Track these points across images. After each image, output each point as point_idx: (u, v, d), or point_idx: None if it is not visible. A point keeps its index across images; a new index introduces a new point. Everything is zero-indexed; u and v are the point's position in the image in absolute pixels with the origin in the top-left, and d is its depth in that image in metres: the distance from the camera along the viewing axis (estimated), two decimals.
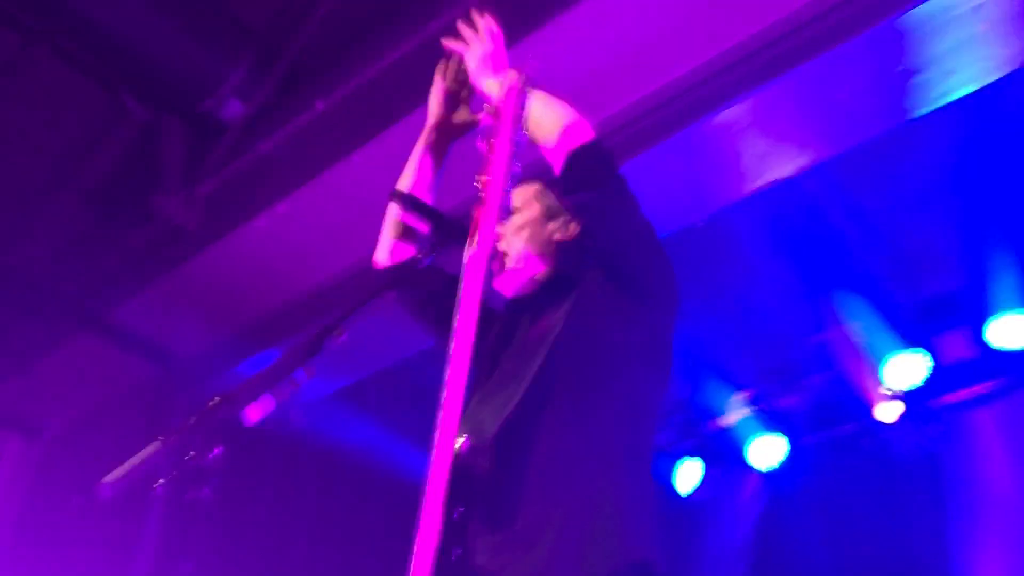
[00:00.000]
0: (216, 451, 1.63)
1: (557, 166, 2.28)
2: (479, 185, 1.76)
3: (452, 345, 1.80)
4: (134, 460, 1.56)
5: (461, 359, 1.78)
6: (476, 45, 2.40)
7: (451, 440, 1.77)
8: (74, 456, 5.58)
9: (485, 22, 2.40)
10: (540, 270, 2.42)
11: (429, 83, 4.07)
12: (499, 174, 1.73)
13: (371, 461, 5.76)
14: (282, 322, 4.92)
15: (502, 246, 2.43)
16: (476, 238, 1.76)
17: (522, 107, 1.78)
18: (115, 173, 5.25)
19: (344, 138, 4.29)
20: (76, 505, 5.15)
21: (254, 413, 1.83)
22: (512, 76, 1.82)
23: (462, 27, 2.44)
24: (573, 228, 2.45)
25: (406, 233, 2.59)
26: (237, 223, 4.64)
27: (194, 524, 4.82)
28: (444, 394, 1.81)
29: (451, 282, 2.68)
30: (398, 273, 2.29)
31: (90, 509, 5.05)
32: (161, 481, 1.63)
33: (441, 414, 1.78)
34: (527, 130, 2.07)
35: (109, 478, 1.54)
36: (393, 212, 2.66)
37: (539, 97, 2.27)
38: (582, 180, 2.25)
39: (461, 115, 2.66)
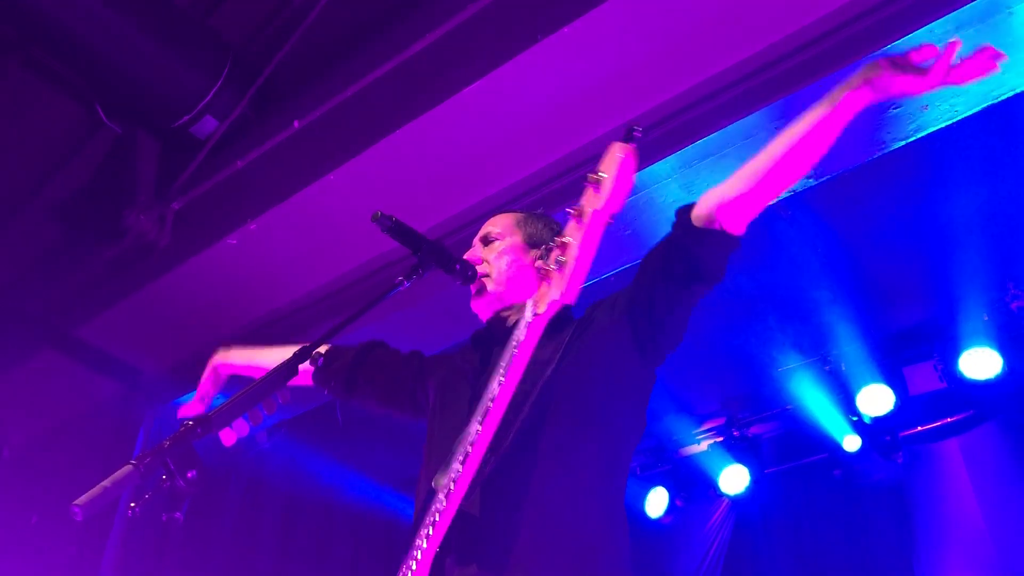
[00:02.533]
0: (190, 474, 1.60)
1: (705, 218, 2.19)
2: (556, 247, 1.75)
3: (491, 397, 1.83)
4: (106, 482, 1.52)
5: (496, 413, 1.81)
6: None
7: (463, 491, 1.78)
8: (35, 474, 5.46)
9: None
10: (521, 298, 2.42)
11: (407, 105, 4.11)
12: (589, 243, 1.71)
13: (333, 492, 5.75)
14: (251, 341, 4.85)
15: (483, 268, 2.44)
16: (545, 299, 1.75)
17: (631, 183, 1.73)
18: (86, 187, 5.18)
19: (319, 157, 4.26)
20: (34, 524, 5.04)
21: (229, 436, 1.80)
22: (622, 149, 1.75)
23: None
24: None
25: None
26: (209, 241, 4.59)
27: (163, 547, 4.74)
28: (468, 446, 1.81)
29: (359, 352, 2.71)
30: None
31: (50, 528, 4.95)
32: (133, 504, 1.59)
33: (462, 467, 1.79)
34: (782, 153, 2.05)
35: (81, 500, 1.49)
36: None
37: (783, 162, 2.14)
38: (703, 263, 2.20)
39: None
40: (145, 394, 5.20)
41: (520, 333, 1.87)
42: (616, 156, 1.72)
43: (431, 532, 1.89)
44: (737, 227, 2.20)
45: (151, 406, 5.12)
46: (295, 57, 4.60)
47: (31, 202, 5.21)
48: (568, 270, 1.71)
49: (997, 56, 1.91)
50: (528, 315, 1.86)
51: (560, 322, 2.35)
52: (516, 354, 1.83)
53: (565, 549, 2.02)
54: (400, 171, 4.16)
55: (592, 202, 1.72)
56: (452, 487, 1.86)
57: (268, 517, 5.53)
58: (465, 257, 2.49)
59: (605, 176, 1.72)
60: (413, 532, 1.96)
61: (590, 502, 2.11)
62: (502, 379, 1.84)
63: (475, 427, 1.87)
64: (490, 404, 1.83)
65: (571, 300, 1.74)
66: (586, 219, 1.71)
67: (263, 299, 4.79)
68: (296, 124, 4.40)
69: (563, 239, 1.74)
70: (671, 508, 5.96)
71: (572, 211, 1.75)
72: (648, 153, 3.68)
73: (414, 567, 1.91)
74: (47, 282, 5.17)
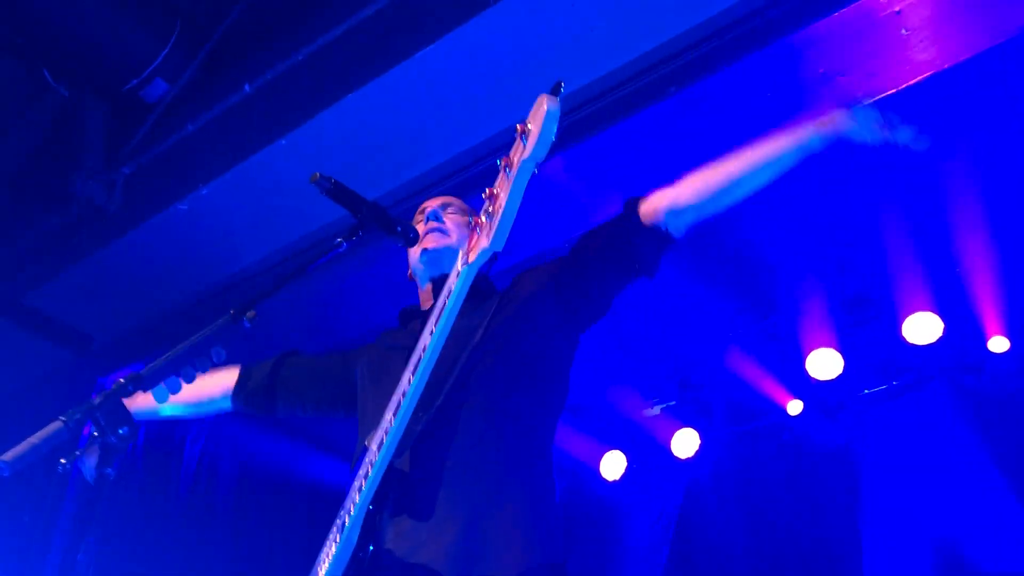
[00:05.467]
0: (121, 430, 1.60)
1: (652, 216, 2.30)
2: (486, 199, 1.80)
3: (423, 346, 1.89)
4: (33, 438, 1.53)
5: (428, 362, 1.86)
6: None
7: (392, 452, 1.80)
8: None
9: None
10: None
11: (359, 69, 4.07)
12: (516, 191, 1.77)
13: (288, 461, 5.76)
14: (203, 308, 4.83)
15: (444, 228, 2.54)
16: (476, 249, 1.81)
17: (553, 133, 1.78)
18: (33, 152, 5.09)
19: (271, 122, 4.23)
20: None
21: (163, 394, 1.80)
22: (548, 101, 1.80)
23: None
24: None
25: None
26: (159, 206, 4.55)
27: (100, 502, 4.72)
28: (400, 396, 1.84)
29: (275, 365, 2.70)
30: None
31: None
32: (63, 460, 1.60)
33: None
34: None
35: (7, 456, 1.50)
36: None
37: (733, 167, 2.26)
38: (641, 258, 2.31)
39: None
40: (96, 361, 5.16)
41: (451, 282, 1.92)
42: (542, 108, 1.78)
43: (363, 485, 1.94)
44: (680, 231, 2.32)
45: (103, 373, 5.08)
46: (246, 20, 4.55)
47: None
48: (496, 218, 1.77)
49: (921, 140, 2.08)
50: (459, 264, 1.92)
51: (486, 292, 2.44)
52: (448, 303, 1.88)
53: (493, 503, 2.08)
54: (352, 136, 4.14)
55: (520, 153, 1.78)
56: (383, 438, 1.90)
57: (223, 485, 5.52)
58: (429, 213, 2.56)
59: (531, 127, 1.77)
60: (348, 487, 2.01)
61: (517, 459, 2.17)
62: (434, 328, 1.89)
63: (407, 377, 1.92)
64: (422, 353, 1.88)
65: (499, 247, 1.80)
66: (514, 169, 1.76)
67: (215, 265, 4.76)
68: (247, 88, 4.36)
69: (493, 190, 1.80)
70: (626, 471, 6.05)
71: (502, 162, 1.80)
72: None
73: (348, 520, 1.96)
74: None
